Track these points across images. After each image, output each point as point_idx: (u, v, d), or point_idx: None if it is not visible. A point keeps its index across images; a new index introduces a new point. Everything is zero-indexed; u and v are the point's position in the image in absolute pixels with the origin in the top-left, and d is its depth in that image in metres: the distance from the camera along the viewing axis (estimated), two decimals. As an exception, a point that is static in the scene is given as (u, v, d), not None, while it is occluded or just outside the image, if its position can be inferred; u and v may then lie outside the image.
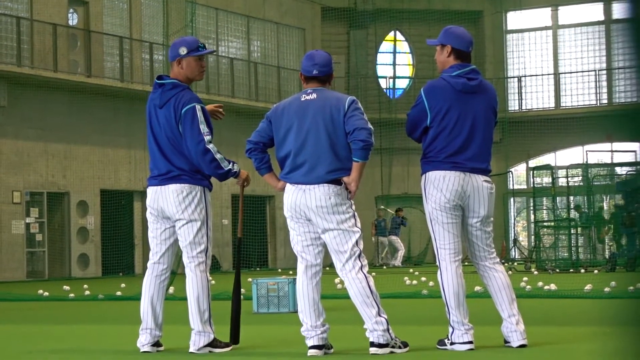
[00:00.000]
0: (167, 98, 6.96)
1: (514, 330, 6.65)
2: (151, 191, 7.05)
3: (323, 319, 6.59)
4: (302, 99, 6.67)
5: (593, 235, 24.83)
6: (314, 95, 6.65)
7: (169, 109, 6.94)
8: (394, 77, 37.71)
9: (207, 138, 6.87)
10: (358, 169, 6.53)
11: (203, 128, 6.88)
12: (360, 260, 6.54)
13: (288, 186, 6.67)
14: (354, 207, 6.64)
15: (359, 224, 6.62)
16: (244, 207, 7.70)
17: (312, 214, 6.56)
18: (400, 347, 6.52)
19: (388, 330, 6.44)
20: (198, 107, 6.92)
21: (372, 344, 6.43)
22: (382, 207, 33.87)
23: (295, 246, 6.72)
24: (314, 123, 6.58)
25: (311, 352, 6.51)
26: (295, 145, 6.61)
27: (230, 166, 6.96)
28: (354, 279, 6.49)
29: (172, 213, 6.94)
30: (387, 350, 6.42)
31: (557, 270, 22.34)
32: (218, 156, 6.89)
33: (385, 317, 6.46)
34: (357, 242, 6.56)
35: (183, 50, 7.02)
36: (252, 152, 6.80)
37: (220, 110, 7.39)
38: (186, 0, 30.27)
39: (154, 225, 7.08)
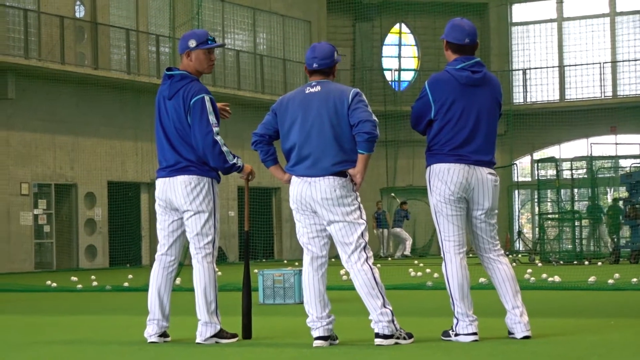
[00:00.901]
0: (176, 89, 6.95)
1: (517, 321, 6.66)
2: (160, 183, 7.05)
3: (329, 310, 6.60)
4: (307, 92, 6.68)
5: (601, 228, 24.83)
6: (318, 88, 6.65)
7: (177, 100, 6.92)
8: (399, 70, 37.65)
9: (215, 129, 6.87)
10: (363, 161, 6.54)
11: (212, 119, 6.87)
12: (365, 252, 6.55)
13: (294, 178, 6.67)
14: (359, 199, 6.65)
15: (364, 216, 6.63)
16: (250, 200, 7.68)
17: (317, 206, 6.57)
18: (405, 338, 6.53)
19: (393, 321, 6.45)
20: (207, 98, 6.91)
21: (377, 335, 6.45)
22: (393, 195, 33.77)
23: (301, 238, 6.73)
24: (318, 115, 6.58)
25: (317, 342, 6.53)
26: (300, 138, 6.61)
27: (235, 160, 6.95)
28: (360, 271, 6.50)
29: (180, 204, 6.94)
30: (392, 341, 6.44)
31: (561, 262, 22.33)
32: (225, 149, 6.89)
33: (390, 308, 6.47)
34: (362, 233, 6.57)
35: (192, 43, 7.02)
36: (258, 145, 6.80)
37: (227, 109, 7.39)
38: (193, -7, 30.28)
39: (162, 217, 7.08)
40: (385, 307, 6.44)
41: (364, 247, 6.55)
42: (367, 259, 6.53)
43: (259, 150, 6.81)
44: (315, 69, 6.70)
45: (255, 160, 7.05)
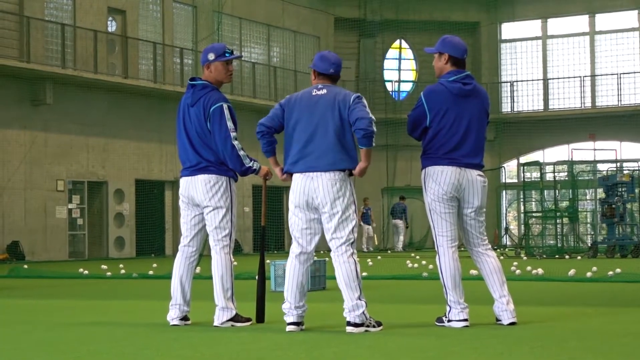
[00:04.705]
0: (198, 97, 6.96)
1: (504, 309, 6.65)
2: (183, 181, 7.06)
3: (305, 300, 6.53)
4: (313, 94, 6.58)
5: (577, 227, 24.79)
6: (324, 91, 6.57)
7: (199, 107, 6.93)
8: (399, 81, 37.63)
9: (232, 135, 6.86)
10: (365, 155, 6.41)
11: (230, 125, 6.87)
12: (352, 247, 6.45)
13: (295, 175, 6.56)
14: (355, 196, 6.57)
15: (356, 212, 6.57)
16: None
17: (318, 199, 6.44)
18: (374, 326, 6.40)
19: (364, 312, 6.35)
20: (225, 106, 6.91)
21: (349, 323, 6.33)
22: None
23: (293, 231, 6.59)
24: (323, 117, 6.48)
25: (290, 327, 6.46)
26: (305, 136, 6.49)
27: (251, 164, 6.93)
28: (345, 262, 6.38)
29: (200, 200, 6.95)
30: (362, 329, 6.31)
31: (544, 256, 22.30)
32: (242, 153, 6.88)
33: (365, 300, 6.36)
34: (352, 229, 6.46)
35: (211, 56, 7.03)
36: (263, 135, 6.65)
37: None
38: (213, 10, 30.29)
39: (185, 212, 7.09)
40: (360, 299, 6.33)
41: (352, 243, 6.46)
42: (352, 254, 6.43)
43: (263, 141, 6.65)
44: (332, 74, 6.64)
45: (268, 164, 6.95)
